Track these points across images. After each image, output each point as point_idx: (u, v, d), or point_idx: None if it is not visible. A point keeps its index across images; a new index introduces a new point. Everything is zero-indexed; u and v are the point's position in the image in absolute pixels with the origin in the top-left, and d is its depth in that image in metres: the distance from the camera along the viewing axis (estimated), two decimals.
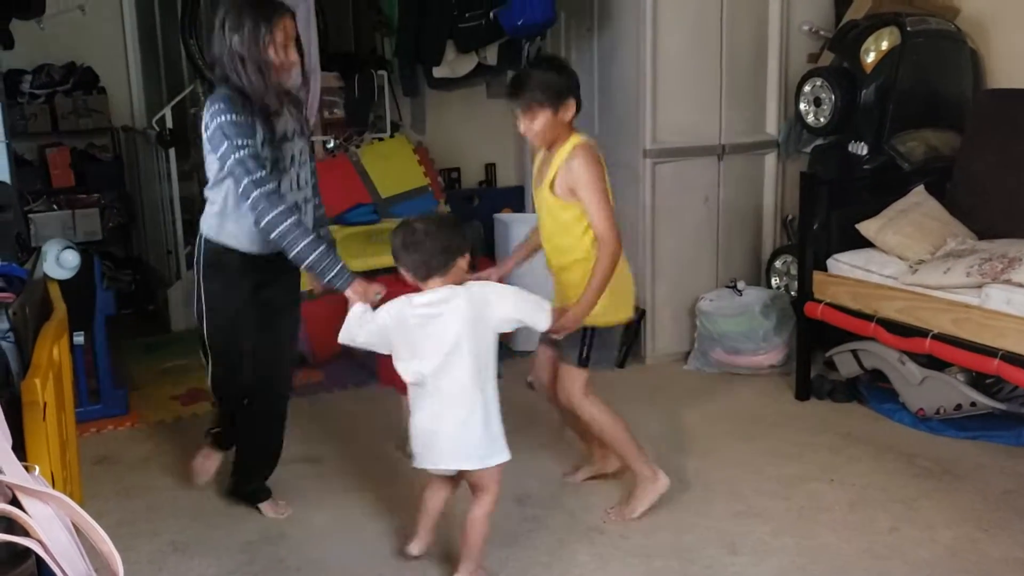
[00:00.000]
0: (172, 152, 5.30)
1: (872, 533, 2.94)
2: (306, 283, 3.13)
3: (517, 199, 5.91)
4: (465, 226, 2.61)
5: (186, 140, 5.47)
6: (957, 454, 3.49)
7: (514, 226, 4.86)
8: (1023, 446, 3.53)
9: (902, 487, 3.25)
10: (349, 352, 4.82)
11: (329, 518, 3.11)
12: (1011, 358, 3.14)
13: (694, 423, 3.85)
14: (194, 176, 5.51)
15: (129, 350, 5.10)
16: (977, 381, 3.60)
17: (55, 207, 5.60)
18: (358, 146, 5.41)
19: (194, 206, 5.54)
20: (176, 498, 3.31)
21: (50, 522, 1.27)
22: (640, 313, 4.62)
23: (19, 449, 2.00)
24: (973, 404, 3.56)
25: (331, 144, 5.39)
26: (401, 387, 2.71)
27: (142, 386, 4.52)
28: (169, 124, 5.32)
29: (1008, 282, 3.22)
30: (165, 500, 3.30)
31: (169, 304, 5.47)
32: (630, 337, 4.60)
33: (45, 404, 2.35)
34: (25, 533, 1.24)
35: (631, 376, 4.46)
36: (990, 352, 3.20)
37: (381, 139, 5.50)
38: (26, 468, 1.36)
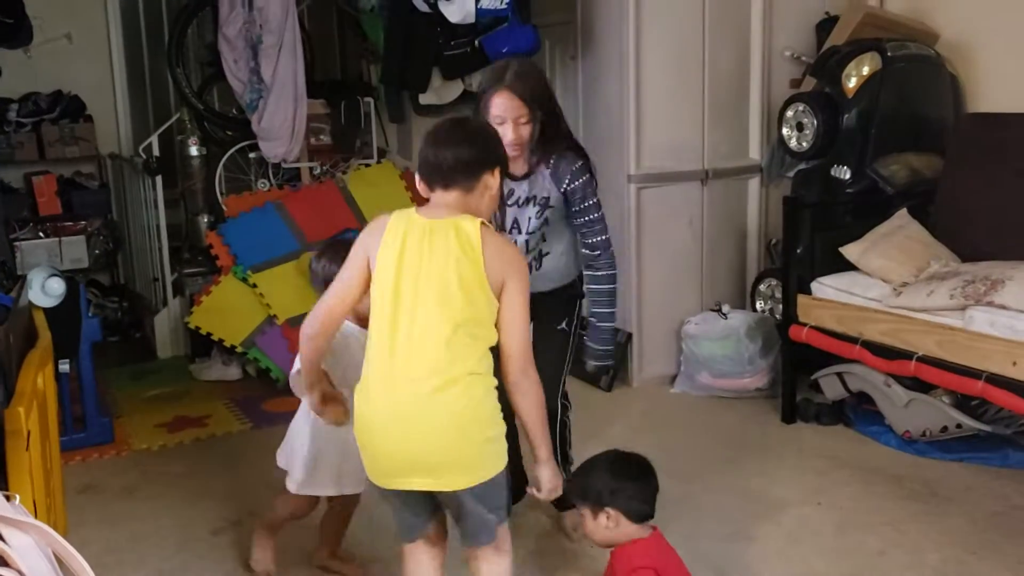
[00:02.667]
0: (159, 180, 5.30)
1: (861, 556, 2.94)
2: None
3: None
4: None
5: (172, 168, 5.48)
6: (944, 476, 3.50)
7: None
8: (1009, 467, 3.54)
9: (890, 510, 3.25)
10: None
11: (313, 544, 3.09)
12: (995, 380, 3.16)
13: (681, 446, 3.85)
14: (180, 203, 5.52)
15: (115, 378, 5.07)
16: (962, 403, 3.61)
17: (41, 235, 5.60)
18: (345, 172, 5.43)
19: (180, 233, 5.56)
20: (161, 527, 3.28)
21: (30, 552, 1.26)
22: (627, 336, 4.63)
23: (1, 478, 1.99)
24: (959, 426, 3.57)
25: (318, 170, 5.41)
26: None
27: (128, 414, 4.50)
28: (156, 152, 5.33)
29: (991, 304, 3.24)
30: (150, 529, 3.27)
31: (155, 331, 5.45)
32: (618, 359, 4.61)
33: (29, 433, 2.34)
34: (4, 563, 1.23)
35: (618, 399, 4.46)
36: (975, 374, 3.22)
37: (368, 165, 5.53)
38: (6, 497, 1.36)
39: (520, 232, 2.80)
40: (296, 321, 4.79)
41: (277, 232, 5.00)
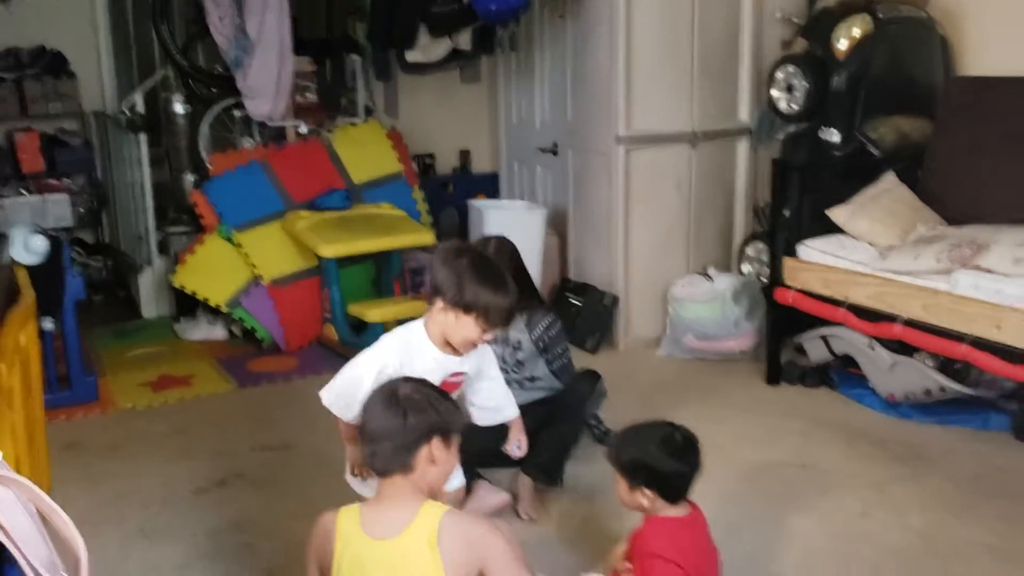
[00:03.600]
0: (143, 137, 5.24)
1: (843, 518, 2.96)
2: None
3: (492, 185, 5.91)
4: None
5: (157, 125, 5.41)
6: (926, 439, 3.53)
7: (489, 212, 4.85)
8: (990, 430, 3.57)
9: (872, 472, 3.28)
10: (321, 339, 4.82)
11: (298, 505, 3.10)
12: (979, 343, 3.18)
13: (665, 408, 3.86)
14: (165, 161, 5.47)
15: (99, 336, 5.05)
16: (946, 366, 3.63)
17: (24, 192, 5.54)
18: (331, 131, 5.38)
19: (165, 191, 5.51)
20: (145, 485, 3.28)
21: (10, 506, 1.25)
22: (613, 299, 4.63)
23: None
24: (942, 389, 3.59)
25: (304, 129, 5.36)
26: None
27: (112, 372, 4.48)
28: (140, 109, 5.26)
29: (977, 268, 3.25)
30: (134, 487, 3.27)
31: (140, 290, 5.42)
32: (604, 322, 4.62)
33: (12, 390, 2.33)
34: None
35: (604, 362, 4.47)
36: (959, 337, 3.24)
37: (354, 124, 5.48)
38: None
39: (508, 372, 3.11)
40: (280, 281, 4.79)
41: (262, 191, 4.96)
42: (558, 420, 3.08)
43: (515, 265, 3.08)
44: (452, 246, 2.26)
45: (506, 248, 3.10)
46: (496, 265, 2.25)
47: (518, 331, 3.13)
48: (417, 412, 1.87)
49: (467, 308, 2.13)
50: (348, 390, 2.19)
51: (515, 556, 1.89)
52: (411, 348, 2.21)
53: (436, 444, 1.88)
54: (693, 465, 2.21)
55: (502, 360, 3.09)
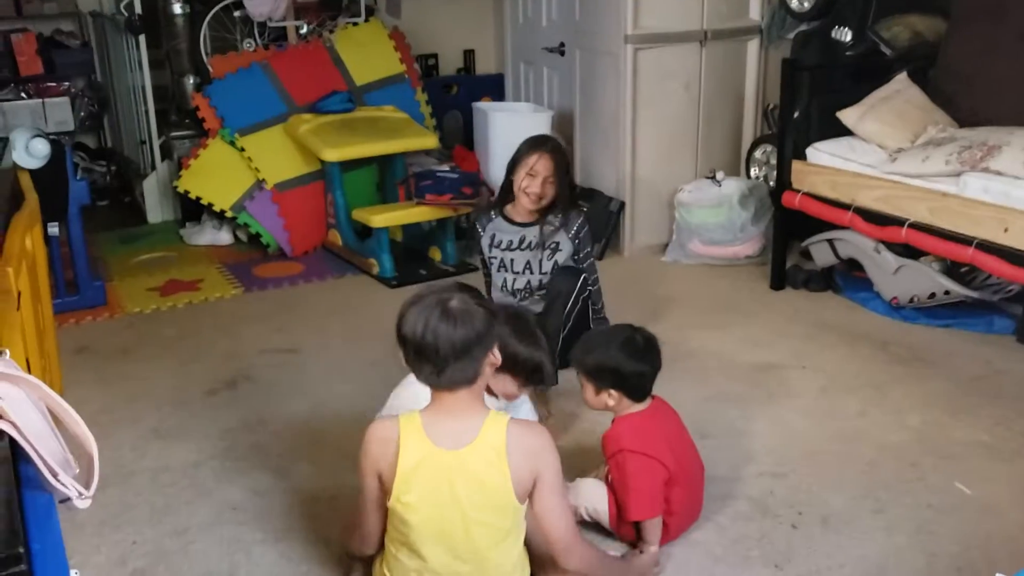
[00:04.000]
0: (142, 39, 5.14)
1: (841, 417, 3.01)
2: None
3: (497, 87, 5.81)
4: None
5: (156, 27, 5.31)
6: (929, 341, 3.55)
7: (494, 115, 4.79)
8: (994, 333, 3.59)
9: (873, 373, 3.31)
10: (326, 244, 4.83)
11: (307, 406, 3.15)
12: (986, 246, 3.16)
13: (669, 313, 3.89)
14: (166, 64, 5.38)
15: (105, 242, 5.06)
16: (951, 270, 3.63)
17: (24, 96, 5.47)
18: (331, 31, 5.28)
19: (167, 95, 5.44)
20: (156, 387, 3.33)
21: (21, 405, 1.27)
22: (620, 205, 4.60)
23: None
24: (947, 292, 3.60)
25: (304, 30, 5.26)
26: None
27: (119, 277, 4.51)
28: (138, 10, 5.15)
29: (986, 170, 3.21)
30: (145, 389, 3.32)
31: (144, 196, 5.40)
32: (610, 228, 4.61)
33: (20, 293, 2.34)
34: None
35: (609, 267, 4.48)
36: (965, 240, 3.22)
37: (355, 24, 5.37)
38: None
39: (533, 273, 3.29)
40: (284, 186, 4.76)
41: (264, 94, 4.90)
42: (544, 320, 3.13)
43: (564, 171, 3.29)
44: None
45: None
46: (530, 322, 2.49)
47: (558, 235, 3.27)
48: (478, 321, 1.85)
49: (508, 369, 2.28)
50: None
51: (560, 473, 1.96)
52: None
53: (495, 349, 1.91)
54: (654, 365, 2.35)
55: (529, 268, 3.31)
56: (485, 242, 3.36)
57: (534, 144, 3.28)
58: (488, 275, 3.42)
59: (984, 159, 3.24)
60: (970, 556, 2.29)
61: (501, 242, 3.32)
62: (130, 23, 5.11)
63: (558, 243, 3.27)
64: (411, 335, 1.84)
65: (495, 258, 3.34)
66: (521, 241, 3.29)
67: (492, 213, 3.36)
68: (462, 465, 1.88)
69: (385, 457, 1.92)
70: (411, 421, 1.92)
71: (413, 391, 2.21)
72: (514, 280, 3.32)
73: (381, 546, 2.06)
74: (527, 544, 2.08)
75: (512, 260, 3.31)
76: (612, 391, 2.32)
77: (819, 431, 2.92)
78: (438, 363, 1.84)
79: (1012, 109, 3.57)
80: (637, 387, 2.34)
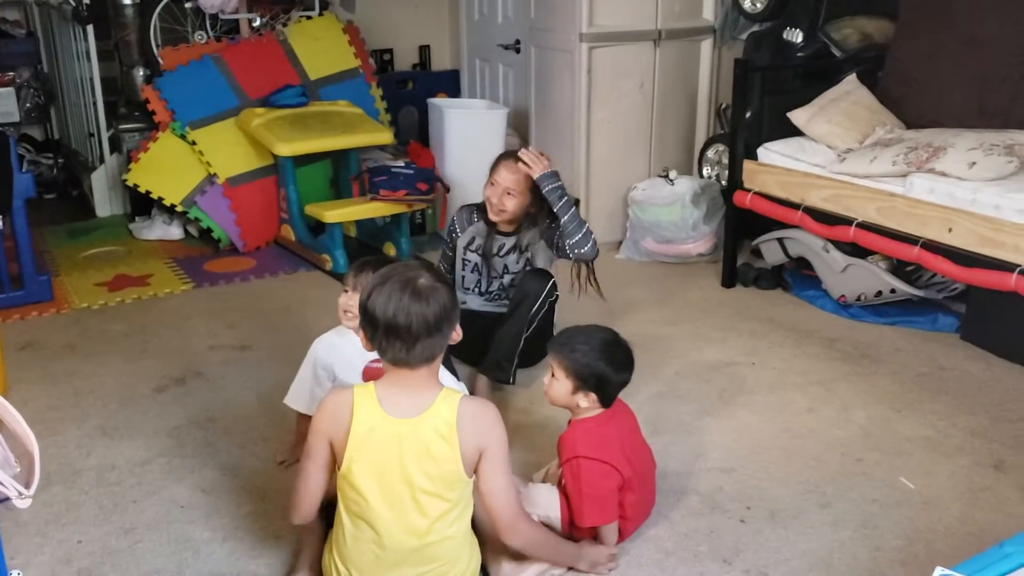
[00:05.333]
0: (90, 29, 5.04)
1: (790, 413, 3.05)
2: None
3: (452, 83, 5.80)
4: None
5: (105, 17, 5.21)
6: (876, 339, 3.62)
7: (449, 112, 4.78)
8: (938, 331, 3.66)
9: (821, 370, 3.36)
10: (279, 239, 4.78)
11: (257, 403, 3.12)
12: (931, 246, 3.23)
13: (622, 311, 3.91)
14: (115, 56, 5.29)
15: (52, 236, 4.97)
16: (897, 269, 3.70)
17: None
18: (285, 25, 5.23)
19: (116, 87, 5.34)
20: (103, 384, 3.28)
21: None
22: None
23: None
24: (893, 291, 3.67)
25: (257, 23, 5.20)
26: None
27: (66, 272, 4.43)
28: None
29: (932, 171, 3.28)
30: (92, 386, 3.27)
31: (93, 189, 5.31)
32: None
33: None
34: None
35: (563, 265, 4.48)
36: (912, 240, 3.29)
37: (309, 17, 5.32)
38: None
39: (508, 273, 3.31)
40: (237, 180, 4.71)
41: (216, 87, 4.83)
42: (508, 319, 3.15)
43: (533, 187, 3.20)
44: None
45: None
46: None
47: (529, 236, 3.28)
48: (444, 297, 1.89)
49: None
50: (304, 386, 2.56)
51: (506, 451, 2.01)
52: (343, 333, 2.56)
53: (457, 327, 1.96)
54: (631, 375, 2.39)
55: (507, 269, 3.32)
56: (462, 243, 3.36)
57: (505, 155, 3.29)
58: (450, 271, 3.41)
59: (930, 160, 3.30)
60: (913, 550, 2.34)
61: (480, 247, 3.32)
62: (77, 13, 5.01)
63: (528, 244, 3.30)
64: (382, 316, 1.87)
65: (469, 261, 3.34)
66: (500, 248, 3.30)
67: (475, 216, 3.35)
68: (413, 434, 1.92)
69: (337, 423, 1.95)
70: (366, 391, 1.96)
71: (328, 340, 2.56)
72: (488, 284, 3.35)
73: (328, 525, 2.11)
74: (475, 524, 2.12)
75: (487, 265, 3.33)
76: (591, 394, 2.32)
77: (768, 427, 2.96)
78: (408, 341, 1.87)
79: (957, 112, 3.65)
80: (613, 395, 2.36)
